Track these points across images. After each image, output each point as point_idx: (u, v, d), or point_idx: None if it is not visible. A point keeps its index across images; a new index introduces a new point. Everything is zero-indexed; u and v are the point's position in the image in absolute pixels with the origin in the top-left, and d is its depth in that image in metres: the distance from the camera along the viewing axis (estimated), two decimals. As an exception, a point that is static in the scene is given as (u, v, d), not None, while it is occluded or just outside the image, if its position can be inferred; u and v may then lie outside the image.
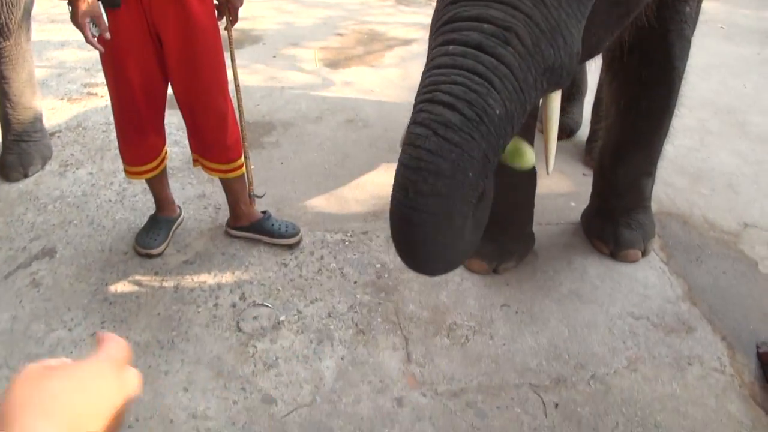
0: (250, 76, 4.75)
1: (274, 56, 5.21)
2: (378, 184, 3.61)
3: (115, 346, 0.74)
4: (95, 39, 2.44)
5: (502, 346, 2.65)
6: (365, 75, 4.92)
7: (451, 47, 1.51)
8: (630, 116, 2.86)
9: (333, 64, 5.12)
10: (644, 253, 3.13)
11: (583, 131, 4.11)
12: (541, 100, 1.82)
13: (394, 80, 4.79)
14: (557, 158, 3.81)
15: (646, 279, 3.01)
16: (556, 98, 1.82)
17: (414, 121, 1.51)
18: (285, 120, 4.25)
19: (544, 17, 1.52)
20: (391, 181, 1.54)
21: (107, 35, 2.46)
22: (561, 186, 3.69)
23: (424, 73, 1.57)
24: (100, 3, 2.46)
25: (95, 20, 2.41)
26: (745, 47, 5.88)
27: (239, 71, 2.97)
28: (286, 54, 5.27)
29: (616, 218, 3.11)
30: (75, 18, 2.40)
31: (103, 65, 2.71)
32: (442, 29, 1.56)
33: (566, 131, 4.14)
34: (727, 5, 6.49)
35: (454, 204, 1.50)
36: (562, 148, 4.02)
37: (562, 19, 1.55)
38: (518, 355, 2.61)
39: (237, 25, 2.94)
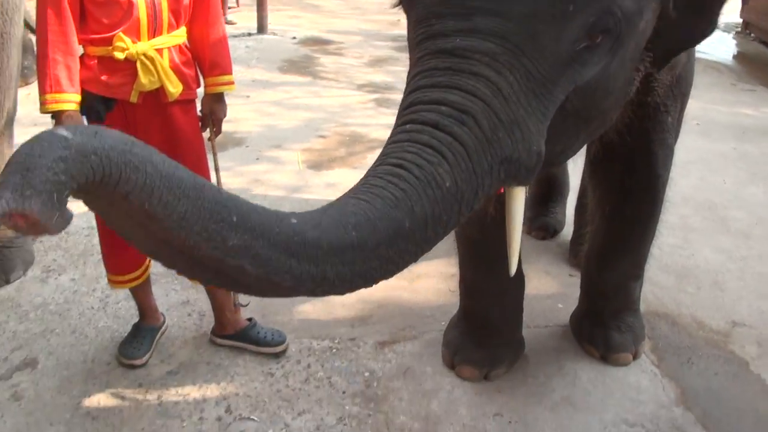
0: (234, 179, 4.74)
1: (258, 159, 5.24)
2: (364, 287, 3.56)
3: None
4: None
5: (496, 457, 2.58)
6: (348, 176, 4.93)
7: (408, 125, 1.54)
8: (615, 223, 2.88)
9: (316, 166, 5.16)
10: (635, 356, 3.08)
11: (567, 230, 4.13)
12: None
13: (376, 181, 4.81)
14: (543, 258, 3.88)
15: (639, 383, 2.96)
16: (519, 196, 1.79)
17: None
18: (269, 223, 4.22)
19: (503, 108, 1.55)
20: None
21: None
22: (548, 288, 3.67)
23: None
24: (84, 117, 2.45)
25: None
26: (721, 143, 6.01)
27: (223, 174, 2.97)
28: (269, 156, 5.30)
29: (605, 321, 3.08)
30: None
31: None
32: (403, 113, 1.60)
33: (550, 231, 4.16)
34: (702, 102, 6.65)
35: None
36: (546, 248, 4.04)
37: (521, 114, 1.58)
38: (513, 468, 2.54)
39: (220, 128, 2.96)
